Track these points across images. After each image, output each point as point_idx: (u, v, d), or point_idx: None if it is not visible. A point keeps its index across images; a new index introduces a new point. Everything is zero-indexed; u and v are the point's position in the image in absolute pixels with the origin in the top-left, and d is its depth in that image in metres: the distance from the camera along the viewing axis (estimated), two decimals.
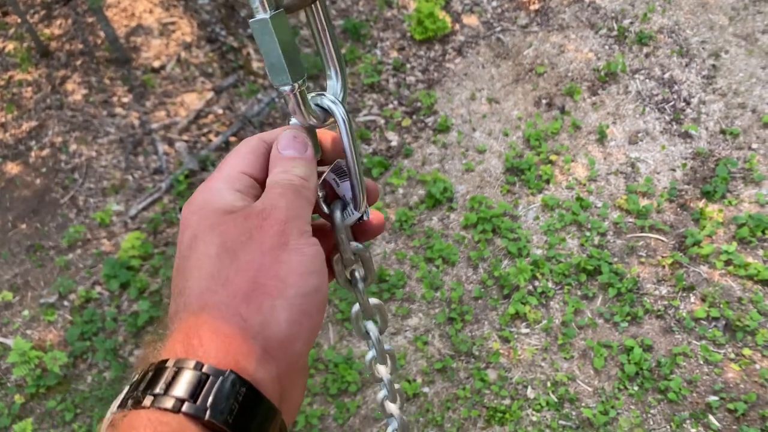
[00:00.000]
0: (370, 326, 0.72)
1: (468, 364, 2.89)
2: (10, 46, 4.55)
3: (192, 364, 0.43)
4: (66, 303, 3.39)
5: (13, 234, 3.69)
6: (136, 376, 0.45)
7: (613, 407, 2.66)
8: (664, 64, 3.80)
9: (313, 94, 0.57)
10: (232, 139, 3.98)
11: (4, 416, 3.04)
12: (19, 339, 3.14)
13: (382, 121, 3.91)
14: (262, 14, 0.50)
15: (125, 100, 4.20)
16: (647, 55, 3.86)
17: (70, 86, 4.28)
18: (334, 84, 0.58)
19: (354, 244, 0.60)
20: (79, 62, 4.39)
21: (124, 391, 0.44)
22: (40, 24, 4.64)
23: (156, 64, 4.32)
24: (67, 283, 3.41)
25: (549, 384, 2.78)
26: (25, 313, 3.38)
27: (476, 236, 3.26)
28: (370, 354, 0.76)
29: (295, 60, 0.52)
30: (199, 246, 0.50)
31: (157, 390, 0.42)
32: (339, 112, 0.56)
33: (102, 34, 4.38)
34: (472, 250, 3.23)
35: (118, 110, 4.16)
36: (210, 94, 4.19)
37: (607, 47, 3.95)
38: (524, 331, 2.95)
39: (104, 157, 3.96)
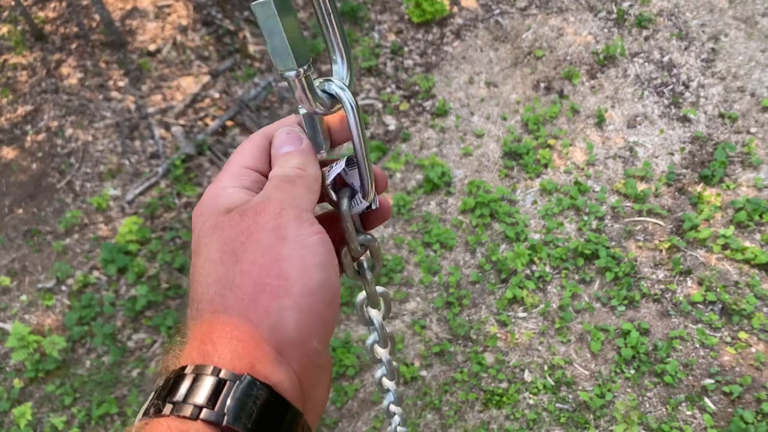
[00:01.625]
0: (374, 313, 0.72)
1: (466, 348, 2.90)
2: (4, 29, 4.51)
3: (209, 369, 0.43)
4: (64, 288, 3.39)
5: (9, 219, 3.68)
6: (159, 385, 0.45)
7: (609, 390, 2.68)
8: (664, 47, 3.78)
9: (320, 79, 0.55)
10: (229, 123, 3.96)
11: (3, 400, 3.05)
12: (17, 324, 3.14)
13: (379, 105, 3.90)
14: None
15: (121, 84, 4.17)
16: (646, 38, 3.84)
17: (65, 70, 4.24)
18: (340, 69, 0.56)
19: (362, 235, 0.60)
20: (74, 45, 4.35)
21: (149, 399, 0.45)
22: (34, 7, 4.59)
23: (152, 47, 4.29)
24: (64, 268, 3.41)
25: (546, 367, 2.80)
26: (23, 298, 3.38)
27: (474, 221, 3.26)
28: (372, 338, 0.76)
29: (299, 44, 0.50)
30: (202, 251, 0.50)
31: (177, 397, 0.42)
32: (347, 98, 0.55)
33: (97, 17, 4.34)
34: (470, 235, 3.23)
35: (114, 94, 4.13)
36: (206, 78, 4.16)
37: (606, 30, 3.93)
38: (521, 315, 2.96)
39: (100, 142, 3.94)
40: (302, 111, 0.56)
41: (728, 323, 2.77)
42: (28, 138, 3.98)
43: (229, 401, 0.42)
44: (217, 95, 4.10)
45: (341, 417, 2.81)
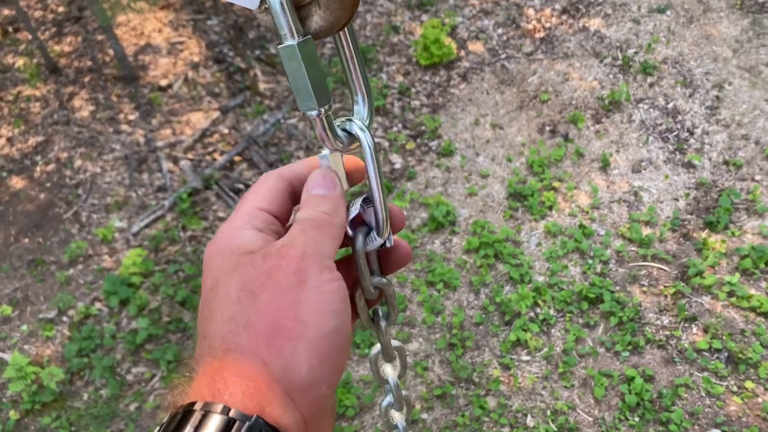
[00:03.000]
0: (389, 371, 0.70)
1: (468, 391, 2.87)
2: (20, 62, 4.60)
3: (219, 408, 0.43)
4: (65, 318, 3.38)
5: (15, 248, 3.69)
6: (165, 418, 0.45)
7: None
8: (668, 94, 3.82)
9: (342, 119, 0.57)
10: (237, 158, 4.00)
11: None
12: (16, 354, 3.12)
13: (386, 144, 3.93)
14: (290, 41, 0.50)
15: (131, 117, 4.23)
16: (651, 85, 3.89)
17: (77, 102, 4.31)
18: (360, 109, 0.58)
19: (377, 278, 0.60)
20: (87, 79, 4.43)
21: None
22: (51, 41, 4.69)
23: (163, 82, 4.36)
24: (66, 298, 3.41)
25: (549, 413, 2.75)
26: (24, 327, 3.36)
27: (478, 261, 3.25)
28: (387, 400, 0.73)
29: (321, 86, 0.52)
30: (220, 289, 0.50)
31: None
32: (366, 139, 0.56)
33: (111, 51, 4.43)
34: (474, 275, 3.22)
35: (124, 127, 4.18)
36: (216, 114, 4.21)
37: (611, 76, 3.98)
38: (525, 358, 2.93)
39: (108, 174, 3.98)
40: (324, 152, 0.58)
41: (734, 372, 2.74)
42: (38, 168, 4.02)
43: None
44: (226, 131, 4.14)
45: None
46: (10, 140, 4.18)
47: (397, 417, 0.75)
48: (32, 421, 3.06)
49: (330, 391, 0.48)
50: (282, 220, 0.56)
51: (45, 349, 3.27)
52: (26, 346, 3.30)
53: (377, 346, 0.67)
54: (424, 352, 3.01)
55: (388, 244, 0.59)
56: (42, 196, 3.91)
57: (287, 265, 0.48)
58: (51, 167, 4.02)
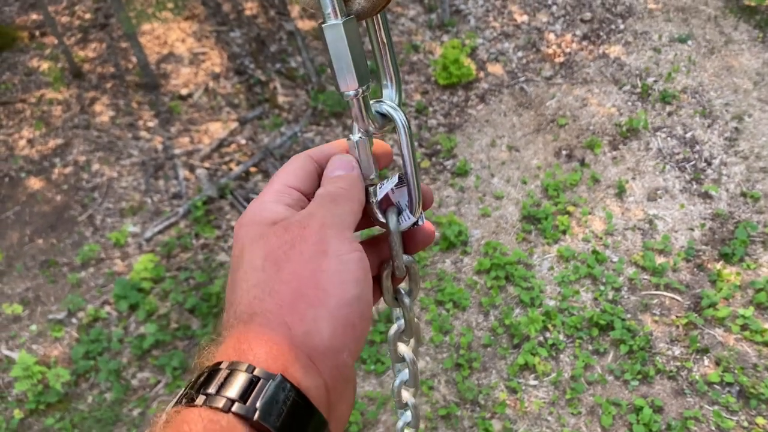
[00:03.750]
0: (404, 349, 0.70)
1: (473, 413, 2.83)
2: (45, 66, 4.68)
3: (244, 366, 0.44)
4: (74, 320, 3.40)
5: (29, 248, 3.73)
6: (192, 378, 0.46)
7: None
8: (687, 123, 3.81)
9: (372, 101, 0.58)
10: (253, 169, 4.03)
11: (2, 430, 3.01)
12: (24, 353, 3.13)
13: (401, 161, 3.94)
14: (334, 20, 0.51)
15: (151, 124, 4.27)
16: (670, 114, 3.88)
17: (98, 107, 4.37)
18: (390, 92, 0.59)
19: (406, 256, 0.61)
20: (109, 85, 4.49)
21: (181, 391, 0.46)
22: (76, 46, 4.77)
23: (184, 91, 4.41)
24: (77, 300, 3.42)
25: None
26: (33, 327, 3.38)
27: (489, 282, 3.23)
28: (400, 377, 0.73)
29: (362, 65, 0.53)
30: (245, 258, 0.51)
31: (210, 390, 0.43)
32: (399, 118, 0.58)
33: (134, 59, 4.49)
34: (484, 296, 3.20)
35: (143, 134, 4.23)
36: (234, 125, 4.25)
37: (630, 103, 3.98)
38: (532, 382, 2.90)
39: (125, 179, 4.01)
40: (354, 138, 0.58)
41: (745, 407, 2.69)
42: (56, 170, 4.07)
43: (261, 398, 0.43)
44: (243, 141, 4.18)
45: None
46: (30, 141, 4.24)
47: (407, 396, 0.75)
48: (36, 421, 3.06)
49: (351, 359, 0.49)
50: (310, 197, 0.58)
51: (53, 350, 3.29)
52: (34, 346, 3.31)
53: (397, 325, 0.68)
54: (430, 371, 2.98)
55: (420, 223, 0.60)
56: (58, 197, 3.95)
57: (309, 235, 0.50)
58: (69, 170, 4.07)
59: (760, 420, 2.63)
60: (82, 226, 3.79)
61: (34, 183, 4.02)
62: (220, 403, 0.42)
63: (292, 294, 0.47)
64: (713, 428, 2.65)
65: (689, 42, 4.26)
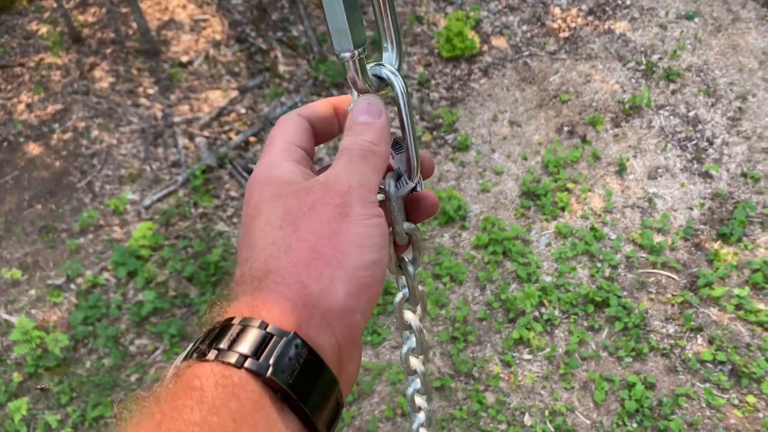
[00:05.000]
0: (411, 316, 0.70)
1: (467, 385, 2.86)
2: (44, 30, 4.62)
3: (257, 323, 0.44)
4: (73, 286, 3.41)
5: (27, 213, 3.73)
6: (201, 334, 0.46)
7: None
8: (690, 102, 3.78)
9: (372, 64, 0.57)
10: (252, 139, 4.01)
11: (1, 393, 3.05)
12: (23, 317, 3.15)
13: (401, 135, 3.92)
14: None
15: (150, 91, 4.24)
16: (673, 92, 3.85)
17: (98, 73, 4.33)
18: (390, 56, 0.58)
19: (407, 223, 0.60)
20: (109, 50, 4.44)
21: (190, 346, 0.45)
22: (75, 10, 4.71)
23: (184, 58, 4.37)
24: (75, 266, 3.43)
25: (547, 413, 2.75)
26: (32, 292, 3.40)
27: (486, 257, 3.24)
28: (408, 345, 0.73)
29: (358, 26, 0.53)
30: (262, 216, 0.51)
31: (222, 345, 0.43)
32: (397, 82, 0.57)
33: (134, 25, 4.44)
34: (481, 271, 3.21)
35: (143, 101, 4.20)
36: (234, 93, 4.22)
37: (633, 80, 3.94)
38: (527, 357, 2.93)
39: (124, 146, 4.00)
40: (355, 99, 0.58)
41: (737, 385, 2.71)
42: (55, 136, 4.05)
43: (273, 355, 0.43)
44: (243, 111, 4.15)
45: None
46: (29, 106, 4.22)
47: (417, 363, 0.75)
48: (35, 385, 3.09)
49: (363, 322, 0.49)
50: (311, 155, 0.57)
51: (51, 315, 3.31)
52: (33, 311, 3.33)
53: (402, 293, 0.68)
54: None
55: (419, 188, 0.60)
56: (57, 163, 3.93)
57: (331, 198, 0.49)
58: (68, 136, 4.05)
59: (750, 398, 2.66)
60: (81, 193, 3.79)
61: (33, 148, 4.00)
62: (233, 358, 0.42)
63: (309, 253, 0.47)
64: (704, 405, 2.68)
65: (696, 19, 4.20)
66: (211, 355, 0.43)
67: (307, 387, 0.44)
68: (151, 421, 0.40)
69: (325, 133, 0.60)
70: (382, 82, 0.57)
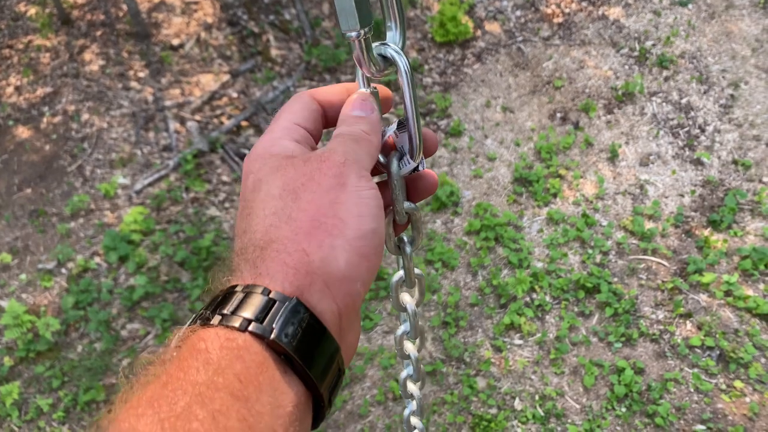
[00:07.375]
0: (407, 299, 0.70)
1: (458, 370, 2.88)
2: (32, 11, 4.56)
3: (260, 289, 0.45)
4: (63, 270, 3.40)
5: (17, 197, 3.70)
6: (207, 301, 0.47)
7: (599, 426, 2.65)
8: (683, 89, 3.79)
9: (376, 43, 0.58)
10: (244, 123, 3.98)
11: None
12: (13, 302, 3.14)
13: (394, 120, 3.91)
14: None
15: (141, 74, 4.20)
16: (666, 79, 3.85)
17: (87, 56, 4.28)
18: (394, 35, 0.59)
19: (407, 203, 0.61)
20: (99, 33, 4.39)
21: (195, 313, 0.47)
22: None
23: (175, 41, 4.32)
24: (66, 250, 3.42)
25: (537, 397, 2.77)
26: (23, 276, 3.38)
27: (478, 243, 3.25)
28: (402, 328, 0.73)
29: (364, 7, 0.53)
30: (262, 188, 0.52)
31: (226, 310, 0.44)
32: (401, 62, 0.57)
33: (124, 7, 4.38)
34: (473, 257, 3.22)
35: (134, 84, 4.16)
36: (226, 77, 4.19)
37: (626, 67, 3.94)
38: (517, 342, 2.95)
39: (115, 130, 3.96)
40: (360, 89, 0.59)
41: (725, 371, 2.75)
42: (44, 119, 4.01)
43: (277, 319, 0.44)
44: (235, 95, 4.12)
45: (327, 428, 2.78)
46: (18, 89, 4.17)
47: (410, 347, 0.75)
48: (26, 369, 3.09)
49: (363, 290, 0.50)
50: (315, 138, 0.58)
51: (42, 299, 3.30)
52: (24, 295, 3.32)
53: (398, 274, 0.68)
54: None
55: (421, 168, 0.60)
56: (47, 147, 3.90)
57: (328, 168, 0.51)
58: (58, 119, 4.01)
59: (738, 383, 2.69)
60: (72, 177, 3.76)
61: (23, 132, 3.96)
62: (237, 322, 0.43)
63: (309, 221, 0.48)
64: (692, 390, 2.72)
65: (690, 5, 4.20)
66: (216, 320, 0.44)
67: (309, 351, 0.45)
68: (157, 382, 0.41)
69: (336, 117, 0.60)
70: (387, 62, 0.58)
